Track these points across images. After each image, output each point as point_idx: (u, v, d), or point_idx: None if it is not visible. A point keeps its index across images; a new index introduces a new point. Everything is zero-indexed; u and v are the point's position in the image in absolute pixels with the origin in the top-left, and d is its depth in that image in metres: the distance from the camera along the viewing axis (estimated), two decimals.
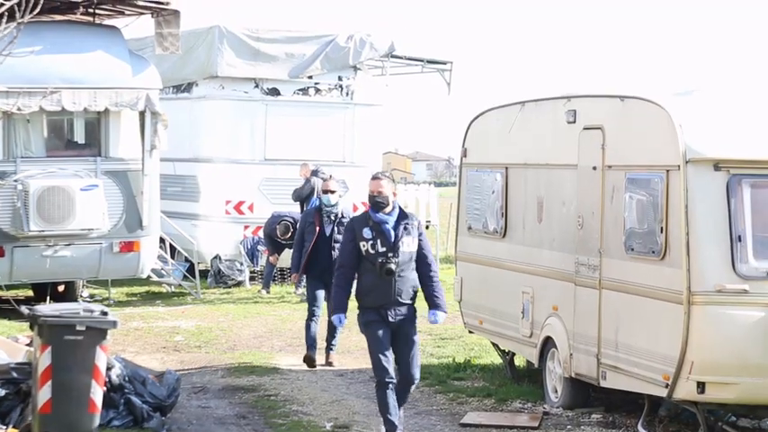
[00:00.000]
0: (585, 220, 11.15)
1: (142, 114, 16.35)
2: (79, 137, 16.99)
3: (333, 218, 13.58)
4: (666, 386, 9.86)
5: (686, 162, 9.75)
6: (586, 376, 11.15)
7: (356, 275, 10.06)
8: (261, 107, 20.92)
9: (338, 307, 10.07)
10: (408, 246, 9.87)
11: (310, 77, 21.14)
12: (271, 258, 19.78)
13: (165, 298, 19.71)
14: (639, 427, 10.66)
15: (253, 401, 11.84)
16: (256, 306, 18.78)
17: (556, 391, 11.73)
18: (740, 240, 9.63)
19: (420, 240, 9.96)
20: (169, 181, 20.27)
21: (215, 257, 20.84)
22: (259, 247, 20.77)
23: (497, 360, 13.74)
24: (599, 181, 10.96)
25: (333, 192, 13.66)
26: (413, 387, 10.15)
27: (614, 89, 11.29)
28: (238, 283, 20.79)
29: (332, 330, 13.63)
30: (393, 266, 9.73)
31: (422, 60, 23.79)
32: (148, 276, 18.18)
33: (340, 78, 21.31)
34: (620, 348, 10.52)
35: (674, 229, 9.88)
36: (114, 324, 9.20)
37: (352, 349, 15.12)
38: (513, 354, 13.18)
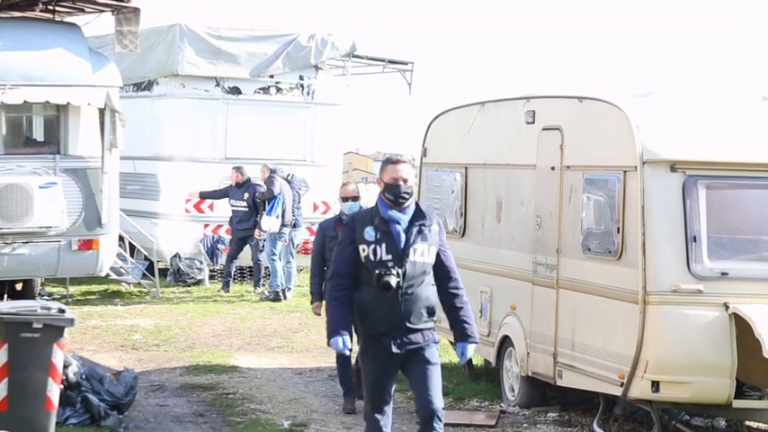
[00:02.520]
0: (544, 220, 11.23)
1: (102, 112, 16.29)
2: (38, 134, 16.89)
3: None
4: (621, 385, 9.94)
5: (643, 163, 9.84)
6: (543, 375, 11.23)
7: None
8: (222, 106, 20.89)
9: (338, 326, 7.77)
10: (422, 255, 7.70)
11: (272, 77, 21.13)
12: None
13: (123, 296, 19.65)
14: (595, 426, 10.74)
15: (211, 400, 11.84)
16: (216, 305, 18.76)
17: (513, 390, 11.80)
18: (695, 241, 9.73)
19: (441, 248, 7.80)
20: (129, 179, 20.20)
21: (174, 256, 20.79)
22: (219, 246, 20.74)
23: (455, 359, 13.80)
24: (557, 181, 11.03)
25: (356, 198, 11.47)
26: (438, 424, 7.77)
27: (573, 90, 11.38)
28: (198, 282, 20.75)
29: (344, 363, 11.42)
30: (393, 280, 7.56)
31: (383, 60, 23.82)
32: (107, 275, 18.11)
33: (301, 78, 21.31)
34: (577, 347, 10.60)
35: (630, 229, 9.97)
36: (71, 322, 9.17)
37: (310, 347, 15.15)
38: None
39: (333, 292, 7.79)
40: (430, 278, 7.78)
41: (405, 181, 7.68)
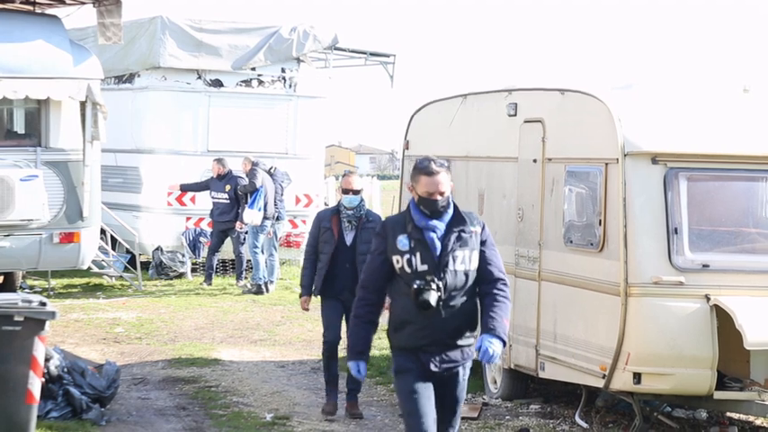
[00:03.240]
0: (525, 213, 11.24)
1: (83, 105, 16.23)
2: (19, 127, 16.83)
3: (355, 223, 10.92)
4: (603, 377, 9.97)
5: (624, 155, 9.85)
6: (525, 367, 11.25)
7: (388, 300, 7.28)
8: (203, 98, 20.84)
9: (356, 348, 7.13)
10: (463, 262, 6.98)
11: (253, 69, 21.09)
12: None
13: (105, 289, 19.60)
14: (577, 418, 10.78)
15: (193, 393, 11.83)
16: (198, 298, 18.73)
17: (495, 383, 11.82)
18: (676, 233, 9.75)
19: (483, 251, 7.08)
20: (111, 172, 20.15)
21: (156, 249, 20.75)
22: (201, 239, 20.71)
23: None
24: (539, 174, 11.05)
25: (357, 191, 10.93)
26: None
27: (555, 82, 11.38)
28: (180, 275, 20.72)
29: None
30: (433, 298, 6.85)
31: (365, 53, 23.82)
32: (89, 268, 18.05)
33: (283, 70, 21.28)
34: (559, 340, 10.62)
35: (612, 221, 9.99)
36: (53, 315, 9.13)
37: (293, 340, 15.15)
38: None
39: (357, 308, 7.14)
40: (473, 288, 7.03)
41: (442, 194, 6.95)
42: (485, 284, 7.04)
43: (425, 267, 6.91)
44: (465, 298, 6.97)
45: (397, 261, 6.97)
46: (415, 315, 6.91)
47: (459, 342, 7.00)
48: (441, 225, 6.98)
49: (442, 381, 7.03)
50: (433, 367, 6.95)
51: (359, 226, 10.87)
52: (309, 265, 11.00)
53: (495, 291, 7.03)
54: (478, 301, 7.06)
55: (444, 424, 7.12)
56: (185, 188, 20.10)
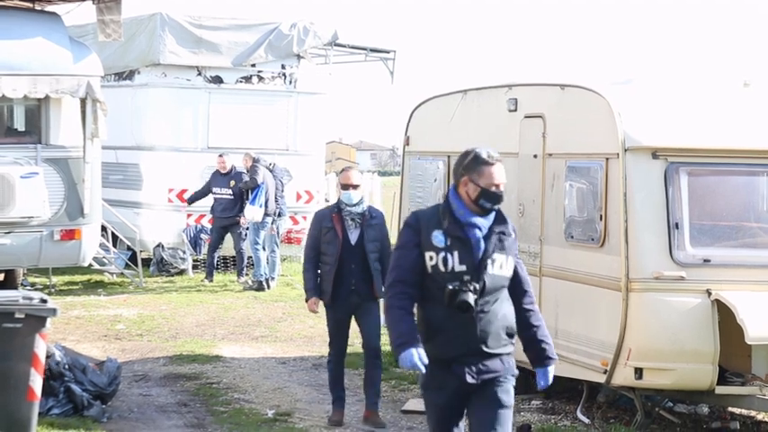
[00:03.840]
0: (526, 208, 11.24)
1: (83, 102, 16.22)
2: (19, 124, 16.82)
3: (358, 220, 10.34)
4: (605, 372, 9.97)
5: (625, 150, 9.85)
6: (526, 363, 11.21)
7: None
8: (204, 95, 20.84)
9: (410, 337, 6.33)
10: (501, 267, 6.45)
11: (253, 65, 21.08)
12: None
13: (106, 286, 19.60)
14: (578, 413, 10.77)
15: (194, 389, 11.82)
16: (199, 294, 18.72)
17: None
18: (677, 228, 9.75)
19: (516, 261, 6.60)
20: (111, 169, 20.15)
21: (157, 246, 20.75)
22: (202, 236, 20.71)
23: None
24: (540, 169, 11.04)
25: (356, 186, 10.38)
26: None
27: (555, 78, 11.38)
28: (181, 272, 20.71)
29: (372, 371, 10.57)
30: (471, 298, 6.28)
31: (365, 49, 23.80)
32: (90, 265, 18.04)
33: (283, 66, 21.26)
34: (560, 335, 10.61)
35: (612, 216, 9.98)
36: (54, 312, 9.12)
37: (294, 337, 15.14)
38: None
39: (396, 299, 6.40)
40: (507, 293, 6.51)
41: (498, 186, 6.43)
42: (520, 296, 6.59)
43: (463, 268, 6.32)
44: (500, 304, 6.44)
45: (431, 258, 6.36)
46: (448, 322, 6.32)
47: (497, 350, 6.43)
48: (485, 223, 6.45)
49: (476, 390, 6.43)
50: (470, 379, 6.37)
51: (363, 223, 10.31)
52: (311, 266, 10.45)
53: (533, 306, 6.63)
54: (516, 315, 6.55)
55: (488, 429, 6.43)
56: (192, 199, 19.97)
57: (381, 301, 9.96)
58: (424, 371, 6.30)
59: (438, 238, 6.38)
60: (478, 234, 6.41)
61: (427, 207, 6.78)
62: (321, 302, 10.47)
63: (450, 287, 6.27)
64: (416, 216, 6.56)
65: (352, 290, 10.29)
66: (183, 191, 20.65)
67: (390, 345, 6.48)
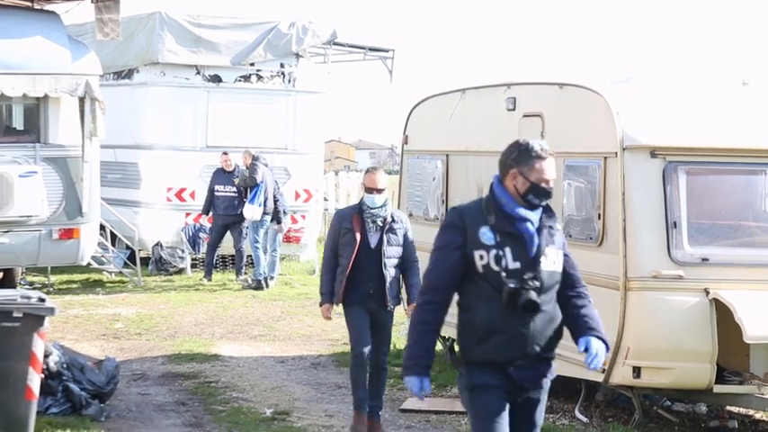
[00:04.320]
0: None
1: (82, 101, 16.22)
2: (18, 123, 16.81)
3: (380, 223, 9.94)
4: (603, 371, 9.96)
5: (623, 149, 9.85)
6: None
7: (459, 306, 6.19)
8: (202, 94, 20.84)
9: (420, 361, 6.10)
10: (554, 263, 6.14)
11: (252, 64, 21.09)
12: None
13: (105, 285, 19.60)
14: (576, 412, 10.77)
15: (193, 388, 11.82)
16: (198, 293, 18.73)
17: None
18: (676, 227, 9.75)
19: (566, 254, 6.29)
20: (110, 168, 20.15)
21: (156, 244, 20.76)
22: (201, 234, 20.70)
23: (437, 346, 13.80)
24: None
25: (380, 191, 9.93)
26: None
27: (553, 77, 11.38)
28: (180, 271, 20.72)
29: (377, 382, 10.14)
30: (536, 297, 5.96)
31: (364, 48, 23.79)
32: (88, 264, 18.05)
33: (282, 65, 21.27)
34: None
35: (611, 215, 9.98)
36: (52, 311, 9.13)
37: (293, 336, 15.14)
38: (453, 340, 13.24)
39: (424, 313, 6.10)
40: (555, 293, 6.19)
41: (547, 182, 6.11)
42: (569, 289, 6.23)
43: (518, 265, 5.97)
44: (552, 304, 6.13)
45: (481, 257, 5.97)
46: (505, 323, 5.96)
47: (548, 354, 6.16)
48: (535, 217, 6.10)
49: (520, 402, 6.16)
50: (526, 384, 6.08)
51: (384, 227, 9.90)
52: (329, 269, 10.00)
53: (585, 296, 6.26)
54: (565, 306, 6.23)
55: None
56: (207, 209, 19.77)
57: (395, 312, 10.17)
58: (422, 400, 6.12)
59: (487, 235, 6.01)
60: (531, 228, 6.06)
61: (468, 202, 6.39)
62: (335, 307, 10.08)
63: (511, 286, 5.92)
64: (460, 213, 6.12)
65: (370, 294, 9.88)
66: (182, 190, 20.66)
67: (402, 359, 6.31)
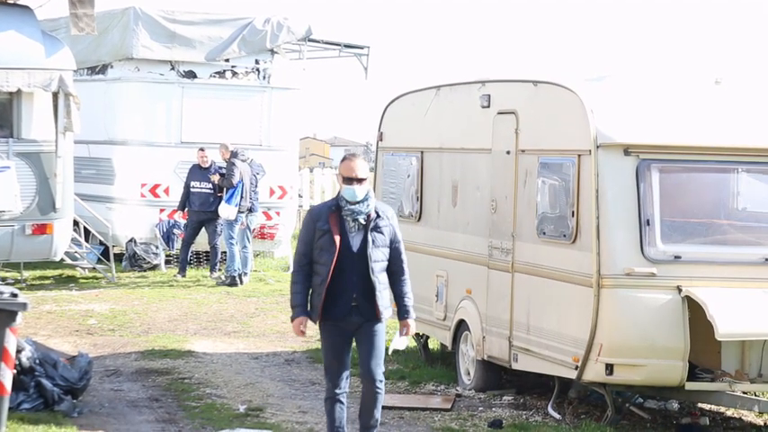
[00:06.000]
0: (499, 204, 11.26)
1: (55, 96, 16.17)
2: None
3: (363, 221, 8.49)
4: (576, 368, 10.00)
5: (597, 147, 9.88)
6: (498, 359, 11.27)
7: None
8: (177, 90, 20.77)
9: None
10: None
11: (227, 60, 21.04)
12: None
13: (78, 281, 19.53)
14: (549, 409, 10.81)
15: (166, 384, 11.80)
16: (171, 289, 18.68)
17: (468, 374, 11.84)
18: (649, 224, 9.79)
19: None
20: (83, 163, 20.08)
21: (130, 241, 20.68)
22: (175, 231, 20.65)
23: (411, 343, 13.83)
24: (512, 165, 11.06)
25: (360, 180, 8.44)
26: None
27: (528, 74, 11.40)
28: (154, 267, 20.65)
29: (371, 399, 8.64)
30: None
31: (339, 44, 23.77)
32: (62, 259, 17.99)
33: (257, 62, 21.23)
34: (532, 331, 10.64)
35: (584, 213, 10.02)
36: (24, 306, 9.08)
37: (267, 332, 15.14)
38: (428, 337, 13.26)
39: None
40: None
41: None
42: None
43: None
44: None
45: None
46: None
47: None
48: None
49: None
50: None
51: (367, 226, 8.48)
52: (301, 278, 8.56)
53: None
54: None
55: None
56: (183, 205, 19.67)
57: (386, 321, 8.71)
58: None
59: None
60: None
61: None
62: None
63: None
64: None
65: (353, 307, 8.48)
66: (156, 186, 20.60)
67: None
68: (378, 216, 8.51)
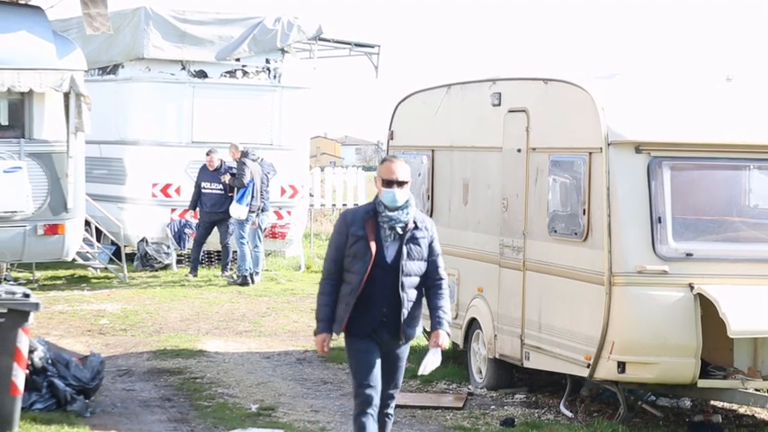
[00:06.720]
0: (510, 203, 11.25)
1: (67, 96, 16.19)
2: (2, 118, 16.77)
3: (400, 231, 7.86)
4: (588, 366, 9.99)
5: (608, 144, 9.87)
6: (510, 357, 11.26)
7: None
8: (188, 89, 20.78)
9: None
10: None
11: (238, 60, 21.04)
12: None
13: (90, 281, 19.56)
14: (562, 407, 10.80)
15: (178, 384, 11.81)
16: (183, 289, 18.69)
17: (480, 372, 11.84)
18: (660, 222, 9.77)
19: None
20: (95, 163, 20.10)
21: (141, 240, 20.70)
22: (186, 230, 20.66)
23: (423, 342, 13.82)
24: (523, 163, 11.06)
25: (401, 183, 7.80)
26: None
27: (539, 72, 11.39)
28: (165, 267, 20.67)
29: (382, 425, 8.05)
30: None
31: (349, 43, 23.77)
32: (74, 259, 18.02)
33: (267, 61, 21.23)
34: (544, 329, 10.63)
35: (596, 211, 10.00)
36: (36, 306, 9.12)
37: (278, 332, 15.14)
38: None
39: None
40: None
41: None
42: None
43: None
44: None
45: None
46: None
47: None
48: None
49: None
50: None
51: (404, 236, 7.84)
52: (330, 287, 7.89)
53: None
54: None
55: None
56: (194, 205, 19.69)
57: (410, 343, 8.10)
58: None
59: None
60: None
61: None
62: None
63: None
64: None
65: (383, 322, 7.84)
66: (168, 185, 20.61)
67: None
68: (416, 227, 7.88)
